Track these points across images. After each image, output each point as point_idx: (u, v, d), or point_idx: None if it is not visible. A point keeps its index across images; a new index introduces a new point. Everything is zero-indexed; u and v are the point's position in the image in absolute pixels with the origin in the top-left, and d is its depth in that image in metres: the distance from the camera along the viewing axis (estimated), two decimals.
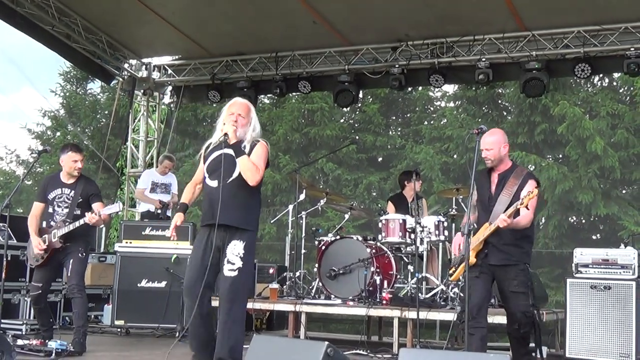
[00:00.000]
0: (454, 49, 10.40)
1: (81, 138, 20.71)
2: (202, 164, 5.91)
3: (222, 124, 5.77)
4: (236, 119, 5.75)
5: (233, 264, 5.56)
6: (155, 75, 12.51)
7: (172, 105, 13.28)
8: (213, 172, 5.74)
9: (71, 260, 7.24)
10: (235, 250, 5.60)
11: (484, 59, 10.18)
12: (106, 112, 21.93)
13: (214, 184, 5.71)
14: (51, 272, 7.44)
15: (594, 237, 16.19)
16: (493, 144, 6.09)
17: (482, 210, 6.18)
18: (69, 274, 7.26)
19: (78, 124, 22.66)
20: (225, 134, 5.65)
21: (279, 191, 17.75)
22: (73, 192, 7.35)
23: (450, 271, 6.30)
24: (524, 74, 10.04)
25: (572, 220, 16.09)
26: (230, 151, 5.64)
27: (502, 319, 6.77)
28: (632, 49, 9.38)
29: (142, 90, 12.64)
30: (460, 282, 7.27)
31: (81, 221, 7.11)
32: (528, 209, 5.78)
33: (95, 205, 7.21)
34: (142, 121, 12.95)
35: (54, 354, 6.69)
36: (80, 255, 7.29)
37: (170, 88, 12.82)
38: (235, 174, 5.67)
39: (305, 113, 18.61)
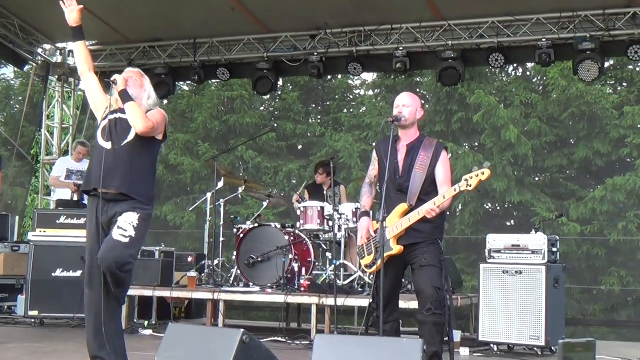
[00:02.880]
0: (372, 38, 10.51)
1: None
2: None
3: None
4: (127, 80, 5.27)
5: (125, 230, 4.98)
6: (71, 60, 12.26)
7: None
8: (106, 134, 5.20)
9: None
10: (128, 219, 5.02)
11: (401, 48, 10.31)
12: (20, 98, 21.30)
13: (107, 145, 5.15)
14: None
15: (508, 224, 16.54)
16: (411, 102, 5.63)
17: (390, 185, 5.53)
18: None
19: None
20: (114, 80, 5.18)
21: (198, 179, 17.60)
22: None
23: (367, 262, 5.73)
24: (440, 63, 10.22)
25: (487, 207, 16.40)
26: (125, 115, 5.15)
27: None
28: (544, 39, 9.65)
29: (56, 76, 12.37)
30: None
31: None
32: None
33: None
34: (57, 107, 12.70)
35: None
36: None
37: None
38: (130, 137, 5.15)
39: (225, 100, 18.47)
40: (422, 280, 5.43)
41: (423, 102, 17.75)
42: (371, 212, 5.99)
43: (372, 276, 7.40)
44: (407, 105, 5.63)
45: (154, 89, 5.50)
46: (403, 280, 6.46)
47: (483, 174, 5.15)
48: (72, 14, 5.36)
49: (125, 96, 5.15)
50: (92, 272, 5.08)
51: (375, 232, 5.62)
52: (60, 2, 5.37)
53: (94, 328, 5.02)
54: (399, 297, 5.87)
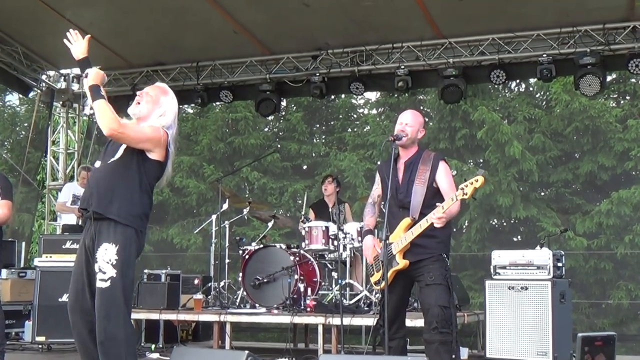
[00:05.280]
0: (374, 57, 10.53)
1: None
2: None
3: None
4: (141, 94, 5.11)
5: (104, 272, 4.70)
6: (75, 86, 12.34)
7: (93, 116, 13.09)
8: (102, 153, 5.11)
9: None
10: (106, 256, 4.72)
11: (402, 67, 10.33)
12: (25, 124, 21.42)
13: (97, 164, 5.03)
14: None
15: (514, 239, 16.51)
16: (414, 121, 5.73)
17: (392, 202, 5.56)
18: None
19: None
20: (86, 74, 4.97)
21: (204, 201, 17.63)
22: None
23: (376, 279, 5.79)
24: (441, 81, 10.23)
25: (493, 223, 16.37)
26: None
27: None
28: (544, 55, 9.66)
29: (61, 102, 12.45)
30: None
31: None
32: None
33: (2, 203, 6.55)
34: (62, 133, 12.76)
35: None
36: None
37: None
38: (118, 154, 4.91)
39: (229, 122, 18.52)
40: (428, 298, 5.47)
41: (427, 119, 17.83)
42: (376, 231, 6.02)
43: (378, 294, 7.51)
44: (410, 124, 5.72)
45: None
46: (410, 298, 6.49)
47: (477, 181, 5.18)
48: (78, 46, 5.17)
49: (94, 93, 4.83)
50: (74, 297, 4.90)
51: (381, 248, 5.62)
52: (65, 41, 5.22)
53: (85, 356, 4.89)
54: (405, 314, 5.90)
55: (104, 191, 4.85)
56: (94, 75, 4.94)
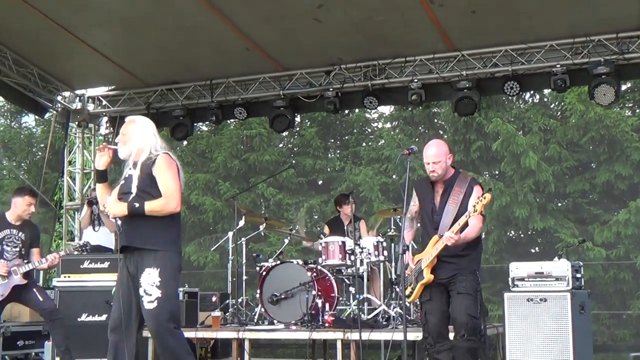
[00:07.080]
0: (387, 71, 10.51)
1: (17, 173, 20.37)
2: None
3: None
4: (119, 139, 5.66)
5: (150, 295, 5.23)
6: (90, 106, 12.39)
7: (109, 136, 13.16)
8: (120, 193, 5.53)
9: (34, 290, 7.97)
10: (150, 279, 5.25)
11: (416, 80, 10.29)
12: (42, 145, 21.59)
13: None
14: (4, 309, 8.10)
15: (532, 251, 16.47)
16: (440, 156, 5.97)
17: (427, 222, 6.08)
18: (41, 300, 7.97)
19: (13, 158, 22.27)
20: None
21: (220, 218, 17.68)
22: (23, 234, 7.99)
23: (407, 291, 6.10)
24: (455, 94, 10.19)
25: (510, 235, 16.34)
26: (131, 171, 5.47)
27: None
28: (558, 65, 9.61)
29: (76, 122, 12.50)
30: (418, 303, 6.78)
31: (43, 260, 7.90)
32: (483, 215, 5.67)
33: (35, 250, 8.08)
34: (78, 153, 12.79)
35: None
36: (39, 284, 8.25)
37: (105, 119, 12.70)
38: (133, 190, 5.39)
39: (244, 139, 18.61)
40: (457, 307, 5.84)
41: (441, 132, 17.82)
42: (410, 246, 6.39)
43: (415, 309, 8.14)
44: (436, 161, 5.95)
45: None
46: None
47: (485, 198, 5.54)
48: (102, 158, 5.61)
49: (136, 210, 5.30)
50: (117, 319, 5.39)
51: (415, 264, 6.03)
52: (97, 149, 5.79)
53: None
54: (447, 328, 6.12)
55: (134, 227, 5.34)
56: (120, 208, 5.36)
